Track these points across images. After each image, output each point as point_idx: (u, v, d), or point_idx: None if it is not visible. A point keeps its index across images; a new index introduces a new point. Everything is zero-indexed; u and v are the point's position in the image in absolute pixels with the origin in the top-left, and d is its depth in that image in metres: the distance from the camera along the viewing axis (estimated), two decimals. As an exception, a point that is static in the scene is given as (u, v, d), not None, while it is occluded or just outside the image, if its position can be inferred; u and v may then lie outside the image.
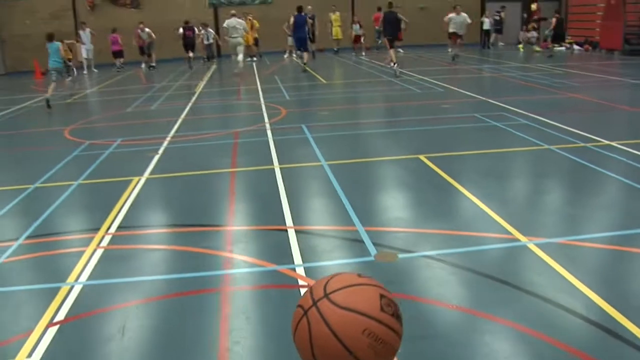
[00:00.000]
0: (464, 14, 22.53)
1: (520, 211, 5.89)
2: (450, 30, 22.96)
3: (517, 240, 5.03)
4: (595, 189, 6.54)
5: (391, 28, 17.88)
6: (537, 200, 6.36)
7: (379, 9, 28.90)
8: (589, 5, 27.33)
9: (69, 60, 21.30)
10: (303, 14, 21.07)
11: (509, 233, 5.19)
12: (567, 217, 5.77)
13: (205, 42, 26.22)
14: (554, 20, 24.06)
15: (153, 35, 25.59)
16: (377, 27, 29.34)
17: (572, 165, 7.52)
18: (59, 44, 15.44)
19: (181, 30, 25.22)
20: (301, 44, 21.24)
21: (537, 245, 4.89)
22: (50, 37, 15.32)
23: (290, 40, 26.67)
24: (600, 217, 5.67)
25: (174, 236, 5.65)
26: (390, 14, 17.97)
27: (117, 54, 26.33)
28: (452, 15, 22.82)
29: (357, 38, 28.62)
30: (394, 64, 17.56)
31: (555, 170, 7.49)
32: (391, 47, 17.71)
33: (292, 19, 20.99)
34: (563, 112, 11.11)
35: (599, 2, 25.96)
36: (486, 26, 28.58)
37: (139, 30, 25.50)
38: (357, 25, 28.12)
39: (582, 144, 8.42)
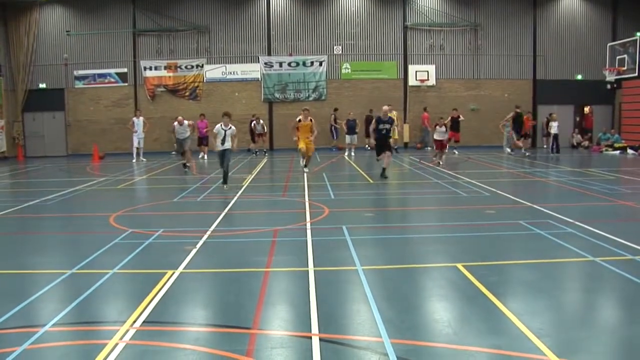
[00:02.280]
0: None
1: (557, 329, 5.61)
2: None
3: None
4: None
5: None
6: (576, 318, 6.05)
7: (425, 109, 29.67)
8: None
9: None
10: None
11: (543, 353, 4.93)
12: (608, 338, 5.47)
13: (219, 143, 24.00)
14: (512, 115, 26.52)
15: (190, 129, 22.64)
16: (424, 127, 29.91)
17: (617, 280, 7.21)
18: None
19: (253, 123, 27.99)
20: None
21: (572, 369, 4.62)
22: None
23: (348, 138, 27.26)
24: (642, 341, 5.36)
25: (197, 336, 5.56)
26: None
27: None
28: None
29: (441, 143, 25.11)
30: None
31: (598, 285, 7.20)
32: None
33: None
34: (611, 221, 10.81)
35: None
36: (554, 130, 27.23)
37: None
38: (443, 128, 22.97)
39: (630, 257, 8.11)
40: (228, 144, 15.74)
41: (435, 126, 23.15)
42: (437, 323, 5.85)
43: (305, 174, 18.74)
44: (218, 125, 15.73)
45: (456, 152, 27.20)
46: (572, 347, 5.16)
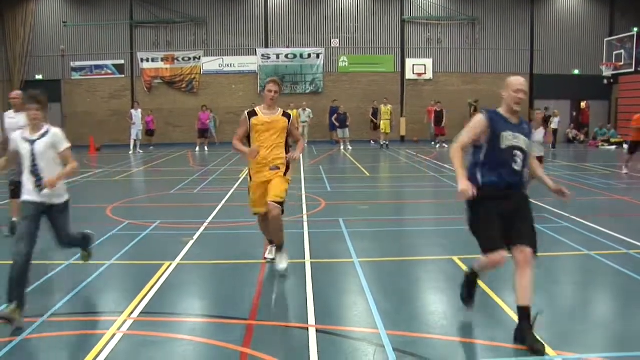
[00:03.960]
0: None
1: (552, 322, 5.65)
2: None
3: (546, 354, 4.80)
4: (636, 301, 6.27)
5: None
6: (572, 312, 6.10)
7: (436, 102, 29.16)
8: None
9: None
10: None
11: (538, 346, 4.96)
12: (602, 331, 5.53)
13: None
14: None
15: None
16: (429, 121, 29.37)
17: (612, 274, 7.26)
18: None
19: None
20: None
21: (567, 361, 4.67)
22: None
23: (340, 132, 27.12)
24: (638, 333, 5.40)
25: (195, 326, 5.59)
26: None
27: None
28: None
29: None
30: None
31: (593, 279, 7.26)
32: None
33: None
34: (606, 215, 10.89)
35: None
36: (555, 125, 27.35)
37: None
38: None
39: (624, 251, 8.16)
40: (59, 192, 6.15)
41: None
42: (433, 315, 5.89)
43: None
44: (16, 134, 6.13)
45: (445, 146, 27.15)
46: (568, 340, 5.20)
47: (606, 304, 6.51)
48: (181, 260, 7.83)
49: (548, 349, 4.86)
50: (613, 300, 6.58)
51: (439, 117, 27.79)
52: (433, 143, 28.42)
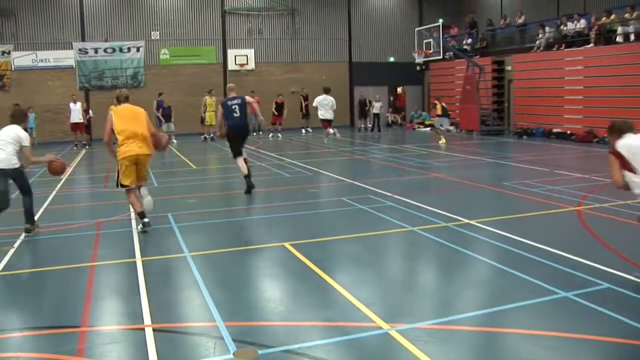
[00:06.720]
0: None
1: (383, 297, 5.93)
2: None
3: (380, 328, 5.01)
4: (456, 269, 6.75)
5: None
6: (399, 285, 6.44)
7: (252, 92, 29.22)
8: (448, 90, 29.43)
9: None
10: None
11: (372, 321, 5.17)
12: (429, 300, 5.88)
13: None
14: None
15: None
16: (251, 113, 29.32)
17: (434, 247, 7.76)
18: None
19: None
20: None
21: (399, 332, 4.89)
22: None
23: (165, 126, 26.04)
24: (462, 298, 5.82)
25: (21, 341, 5.18)
26: None
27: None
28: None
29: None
30: None
31: (418, 253, 7.72)
32: None
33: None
34: (426, 193, 11.59)
35: (456, 87, 28.01)
36: (376, 110, 29.02)
37: None
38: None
39: (444, 224, 8.74)
40: None
41: None
42: (269, 302, 5.94)
43: None
44: None
45: (279, 136, 27.53)
46: (398, 311, 5.46)
47: (430, 274, 6.94)
48: (1, 271, 7.23)
49: (382, 323, 5.08)
50: (436, 270, 7.03)
51: (280, 107, 28.37)
52: (259, 133, 28.47)
